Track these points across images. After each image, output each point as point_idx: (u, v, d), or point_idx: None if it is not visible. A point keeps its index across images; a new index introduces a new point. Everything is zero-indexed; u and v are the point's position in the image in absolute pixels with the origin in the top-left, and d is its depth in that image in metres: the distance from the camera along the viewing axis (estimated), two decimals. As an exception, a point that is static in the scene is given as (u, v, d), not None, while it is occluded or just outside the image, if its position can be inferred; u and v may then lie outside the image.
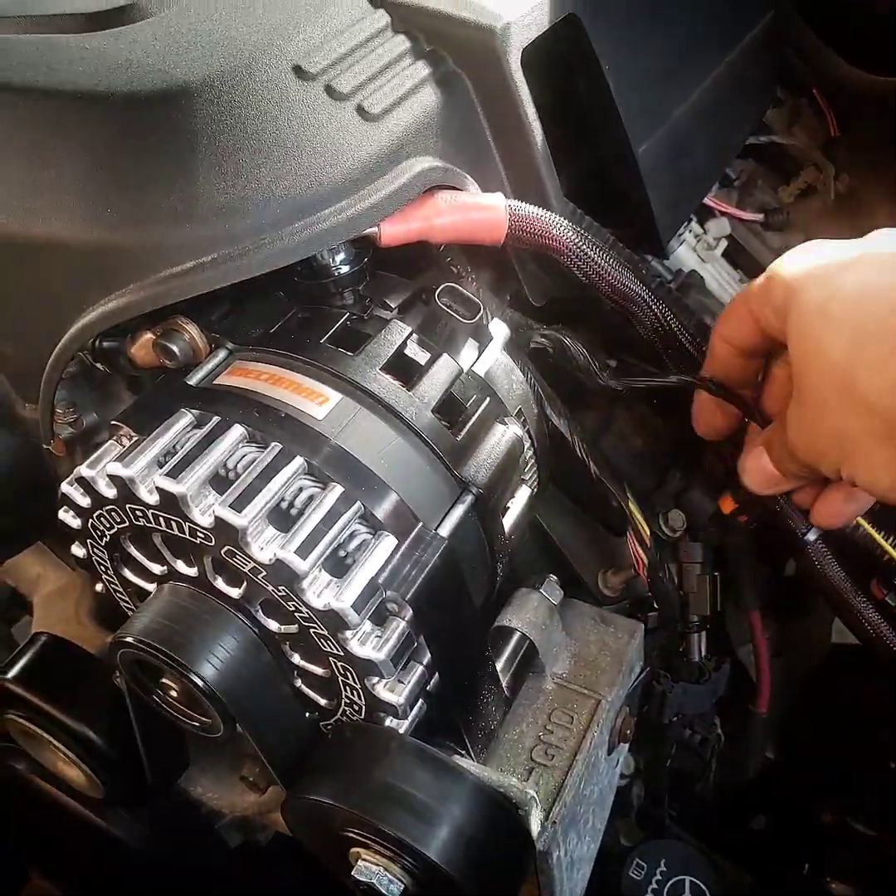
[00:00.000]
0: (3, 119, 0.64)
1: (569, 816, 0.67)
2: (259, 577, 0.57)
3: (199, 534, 0.58)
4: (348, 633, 0.57)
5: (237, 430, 0.60)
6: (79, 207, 0.62)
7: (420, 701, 0.63)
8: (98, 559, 0.68)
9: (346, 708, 0.63)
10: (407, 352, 0.67)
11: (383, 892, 0.59)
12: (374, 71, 0.66)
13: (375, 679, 0.59)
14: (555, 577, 0.76)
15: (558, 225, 0.70)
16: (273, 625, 0.62)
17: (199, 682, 0.58)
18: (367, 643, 0.57)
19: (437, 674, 0.62)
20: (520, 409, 0.72)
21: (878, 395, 0.55)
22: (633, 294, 0.73)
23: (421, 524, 0.60)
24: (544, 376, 0.76)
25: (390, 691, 0.59)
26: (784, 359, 0.68)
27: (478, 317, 0.66)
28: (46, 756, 0.76)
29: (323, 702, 0.65)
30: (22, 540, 0.90)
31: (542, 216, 0.69)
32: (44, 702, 0.73)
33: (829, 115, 1.11)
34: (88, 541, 0.66)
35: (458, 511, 0.63)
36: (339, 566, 0.59)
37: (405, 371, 0.67)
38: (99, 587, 0.71)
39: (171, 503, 0.57)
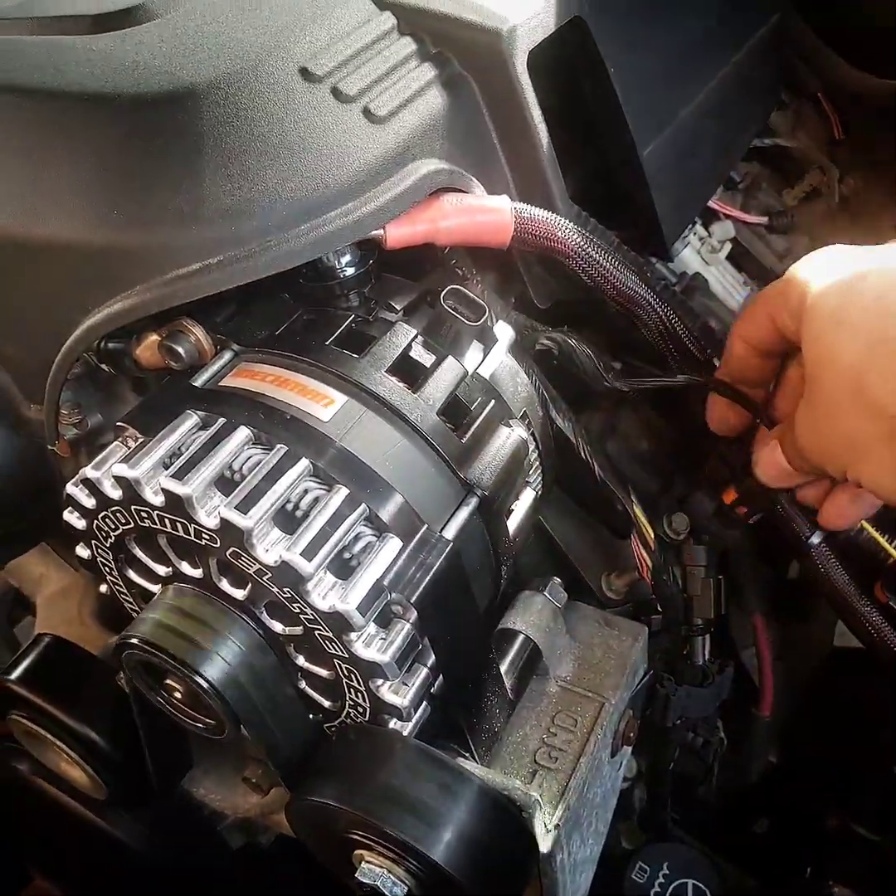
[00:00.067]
0: (11, 120, 0.64)
1: (572, 819, 0.67)
2: (264, 578, 0.57)
3: (204, 535, 0.58)
4: (353, 635, 0.57)
5: (243, 432, 0.60)
6: (85, 209, 0.62)
7: (424, 703, 0.63)
8: (103, 560, 0.68)
9: (351, 710, 0.63)
10: (412, 354, 0.67)
11: (387, 894, 0.59)
12: (380, 73, 0.66)
13: (380, 681, 0.59)
14: (559, 580, 0.76)
15: (563, 227, 0.70)
16: (278, 626, 0.62)
17: (204, 684, 0.58)
18: (372, 645, 0.57)
19: (441, 676, 0.62)
20: (524, 411, 0.72)
21: (889, 401, 0.56)
22: (638, 296, 0.73)
23: (426, 526, 0.60)
24: (549, 379, 0.76)
25: (394, 693, 0.59)
26: (799, 360, 0.69)
27: (483, 319, 0.66)
28: (49, 757, 0.76)
29: (327, 704, 0.65)
30: (26, 541, 0.90)
31: (547, 219, 0.69)
32: (47, 703, 0.73)
33: (833, 117, 1.11)
34: (93, 542, 0.66)
35: (463, 513, 0.63)
36: (344, 568, 0.59)
37: (410, 373, 0.67)
38: (103, 588, 0.71)
39: (177, 504, 0.57)
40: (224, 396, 0.63)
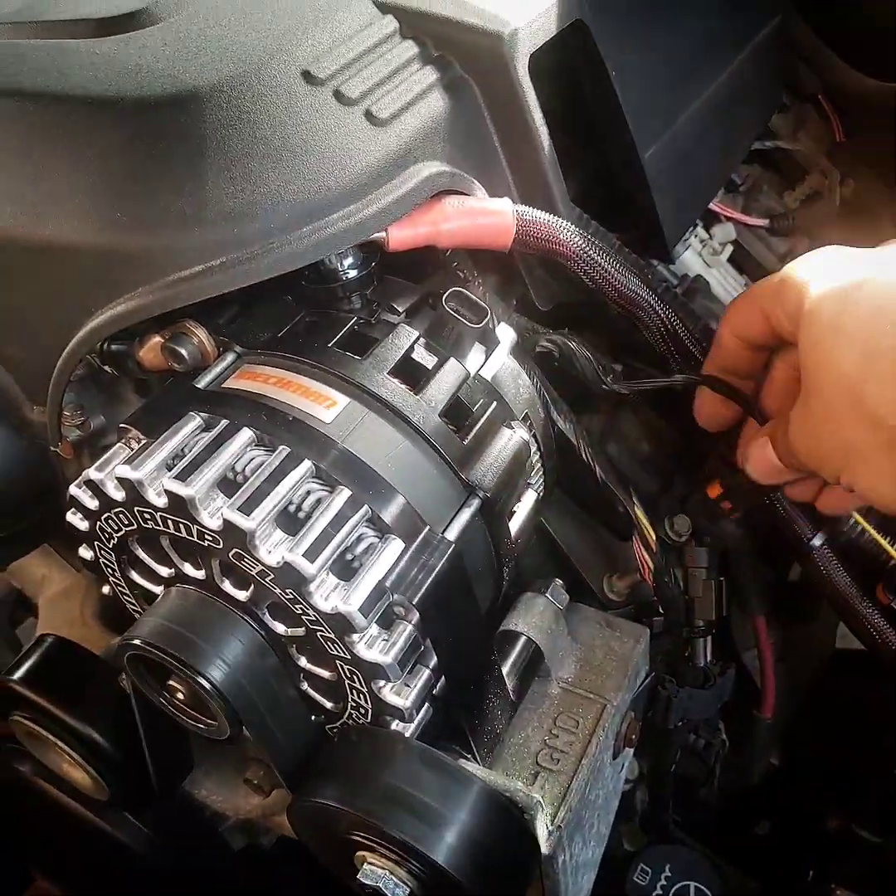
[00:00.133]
0: (15, 123, 0.64)
1: (574, 821, 0.67)
2: (267, 580, 0.58)
3: (207, 536, 0.58)
4: (355, 637, 0.57)
5: (245, 434, 0.60)
6: (89, 211, 0.62)
7: (426, 704, 0.63)
8: (105, 561, 0.68)
9: (353, 711, 0.63)
10: (414, 356, 0.67)
11: (388, 895, 0.59)
12: (382, 76, 0.66)
13: (382, 682, 0.59)
14: (560, 582, 0.76)
15: (565, 230, 0.70)
16: (280, 628, 0.62)
17: (207, 685, 0.58)
18: (374, 646, 0.57)
19: (443, 677, 0.62)
20: (526, 413, 0.72)
21: (888, 412, 0.56)
22: (639, 299, 0.73)
23: (428, 528, 0.60)
24: (550, 380, 0.76)
25: (397, 695, 0.59)
26: (787, 356, 0.69)
27: (485, 321, 0.66)
28: (51, 758, 0.76)
29: (329, 705, 0.65)
30: (28, 542, 0.90)
31: (548, 221, 0.70)
32: (49, 703, 0.73)
33: (834, 120, 1.12)
34: (96, 543, 0.66)
35: (465, 515, 0.63)
36: (346, 569, 0.59)
37: (412, 375, 0.67)
38: (106, 589, 0.71)
39: (180, 506, 0.57)
40: (227, 398, 0.64)
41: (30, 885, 1.04)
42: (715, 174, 1.00)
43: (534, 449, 0.73)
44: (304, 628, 0.59)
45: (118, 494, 0.60)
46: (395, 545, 0.59)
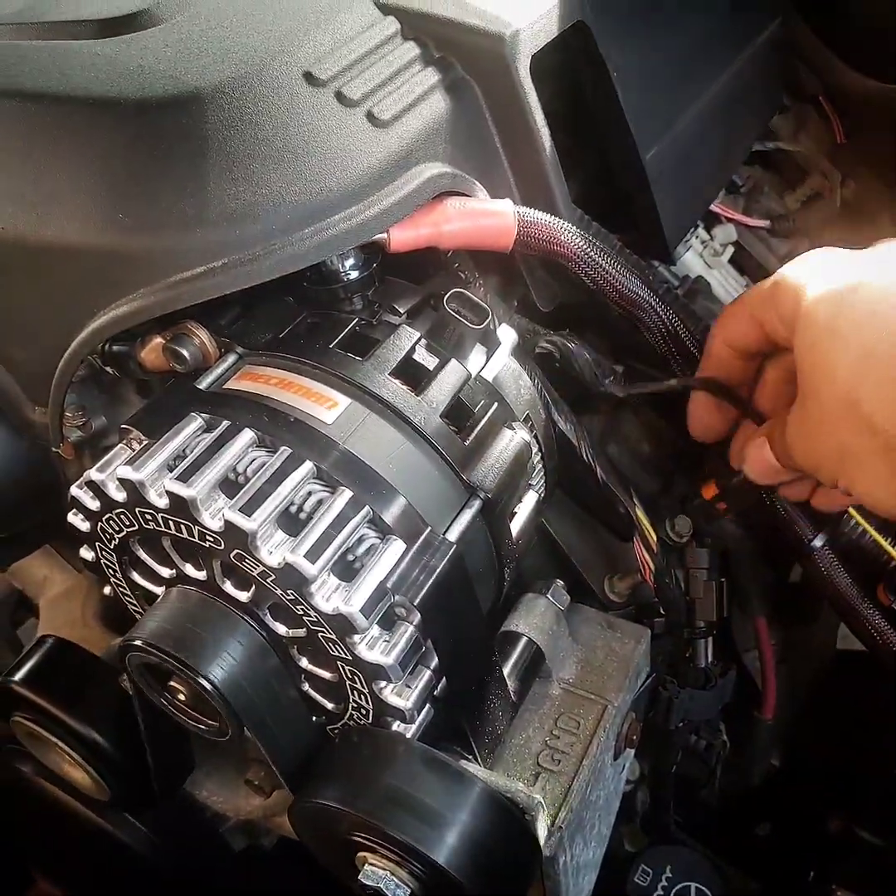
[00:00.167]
0: (17, 124, 0.64)
1: (575, 822, 0.67)
2: (268, 580, 0.58)
3: (208, 537, 0.58)
4: (356, 638, 0.57)
5: (247, 435, 0.60)
6: (90, 212, 0.62)
7: (427, 705, 0.63)
8: (107, 562, 0.68)
9: (354, 712, 0.63)
10: (415, 357, 0.67)
11: (390, 896, 0.59)
12: (383, 77, 0.66)
13: (383, 683, 0.59)
14: (562, 583, 0.76)
15: (566, 231, 0.70)
16: (281, 628, 0.62)
17: (208, 686, 0.58)
18: (376, 647, 0.57)
19: (444, 678, 0.62)
20: (527, 414, 0.72)
21: (883, 416, 0.56)
22: (641, 300, 0.73)
23: (429, 529, 0.60)
24: (551, 381, 0.76)
25: (398, 696, 0.59)
26: (779, 361, 0.69)
27: (486, 322, 0.66)
28: (52, 759, 0.76)
29: (330, 706, 0.65)
30: (29, 543, 0.90)
31: (550, 222, 0.70)
32: (50, 704, 0.73)
33: (835, 121, 1.12)
34: (97, 544, 0.66)
35: (466, 516, 0.63)
36: (347, 570, 0.59)
37: (414, 376, 0.67)
38: (107, 590, 0.71)
39: (181, 507, 0.57)
40: (228, 399, 0.64)
41: (31, 886, 1.04)
42: (716, 175, 1.00)
43: (535, 450, 0.73)
44: (305, 629, 0.59)
45: (119, 495, 0.60)
46: (397, 546, 0.59)
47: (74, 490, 0.63)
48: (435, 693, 0.63)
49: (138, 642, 0.60)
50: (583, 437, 0.76)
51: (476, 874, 0.57)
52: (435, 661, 0.61)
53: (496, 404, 0.69)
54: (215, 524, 0.57)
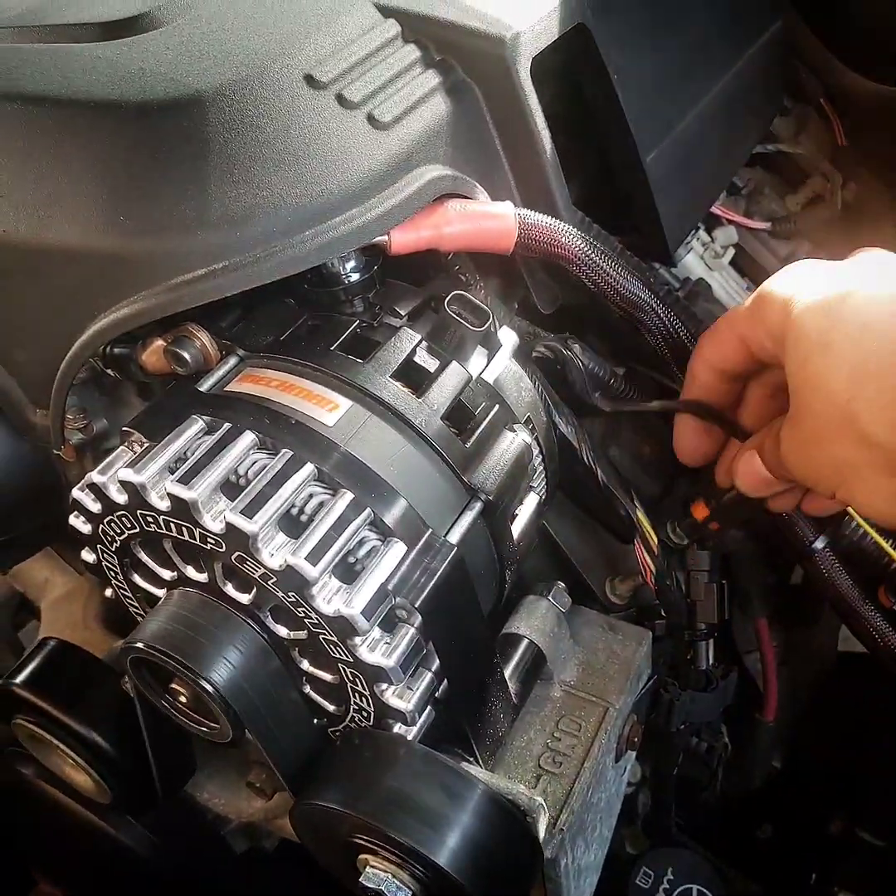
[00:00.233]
0: (18, 127, 0.64)
1: (576, 824, 0.67)
2: (269, 583, 0.58)
3: (209, 540, 0.58)
4: (358, 640, 0.57)
5: (248, 437, 0.60)
6: (91, 215, 0.62)
7: (428, 707, 0.63)
8: (108, 564, 0.68)
9: (355, 714, 0.63)
10: (416, 359, 0.67)
11: (391, 898, 0.59)
12: (384, 80, 0.66)
13: (384, 685, 0.59)
14: (563, 585, 0.76)
15: (567, 233, 0.70)
16: (282, 631, 0.62)
17: (209, 688, 0.58)
18: (377, 649, 0.57)
19: (445, 680, 0.62)
20: (528, 416, 0.72)
21: (880, 431, 0.55)
22: (641, 302, 0.73)
23: (430, 531, 0.60)
24: (552, 384, 0.76)
25: (399, 698, 0.59)
26: (761, 378, 0.69)
27: (487, 324, 0.66)
28: (54, 761, 0.76)
29: (331, 708, 0.65)
30: (31, 545, 0.90)
31: (550, 225, 0.70)
32: (52, 706, 0.73)
33: (836, 124, 1.12)
34: (99, 546, 0.66)
35: (467, 518, 0.63)
36: (348, 572, 0.59)
37: (415, 378, 0.67)
38: (108, 592, 0.71)
39: (182, 509, 0.57)
40: (229, 401, 0.64)
41: (32, 888, 1.04)
42: (716, 177, 1.00)
43: (536, 452, 0.73)
44: (306, 631, 0.60)
45: (121, 498, 0.60)
46: (398, 548, 0.59)
47: (76, 492, 0.63)
48: (436, 695, 0.63)
49: (140, 645, 0.60)
50: (584, 439, 0.76)
51: (477, 876, 0.57)
52: (436, 664, 0.61)
53: (497, 406, 0.69)
54: (216, 526, 0.57)
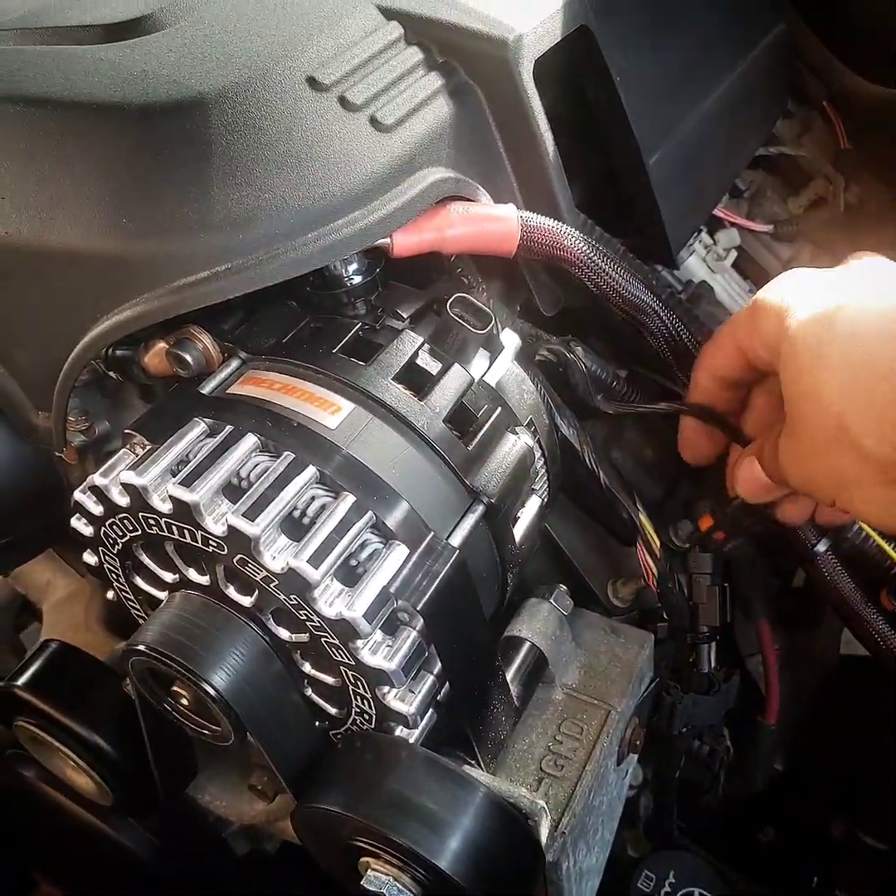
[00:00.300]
0: (20, 129, 0.64)
1: (578, 827, 0.67)
2: (271, 585, 0.58)
3: (211, 542, 0.58)
4: (359, 643, 0.57)
5: (250, 439, 0.60)
6: (94, 217, 0.62)
7: (430, 710, 0.63)
8: (110, 567, 0.68)
9: (357, 717, 0.63)
10: (419, 362, 0.67)
11: (392, 901, 0.59)
12: (387, 82, 0.66)
13: (386, 688, 0.59)
14: (565, 588, 0.76)
15: (569, 236, 0.70)
16: (284, 633, 0.62)
17: (211, 691, 0.58)
18: (379, 652, 0.57)
19: (447, 683, 0.62)
20: (530, 419, 0.72)
21: (871, 442, 0.55)
22: (644, 304, 0.73)
23: (432, 534, 0.60)
24: (554, 386, 0.76)
25: (401, 701, 0.59)
26: (764, 385, 0.69)
27: (489, 327, 0.66)
28: (55, 763, 0.76)
29: (333, 711, 0.65)
30: (33, 547, 0.90)
31: (553, 227, 0.70)
32: (53, 709, 0.72)
33: (838, 126, 1.12)
34: (100, 548, 0.66)
35: (469, 521, 0.63)
36: (350, 575, 0.59)
37: (417, 381, 0.67)
38: (110, 595, 0.71)
39: (184, 512, 0.57)
40: (231, 404, 0.64)
41: (34, 890, 1.04)
42: (719, 180, 1.00)
43: (538, 455, 0.73)
44: (308, 634, 0.59)
45: (123, 500, 0.60)
46: (400, 551, 0.59)
47: (78, 495, 0.63)
48: (438, 698, 0.62)
49: (141, 647, 0.60)
50: (586, 441, 0.76)
51: (479, 879, 0.57)
52: (438, 667, 0.61)
53: (499, 409, 0.69)
54: (218, 529, 0.57)
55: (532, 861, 0.63)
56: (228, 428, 0.61)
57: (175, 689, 0.63)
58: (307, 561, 0.55)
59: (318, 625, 0.58)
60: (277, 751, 0.63)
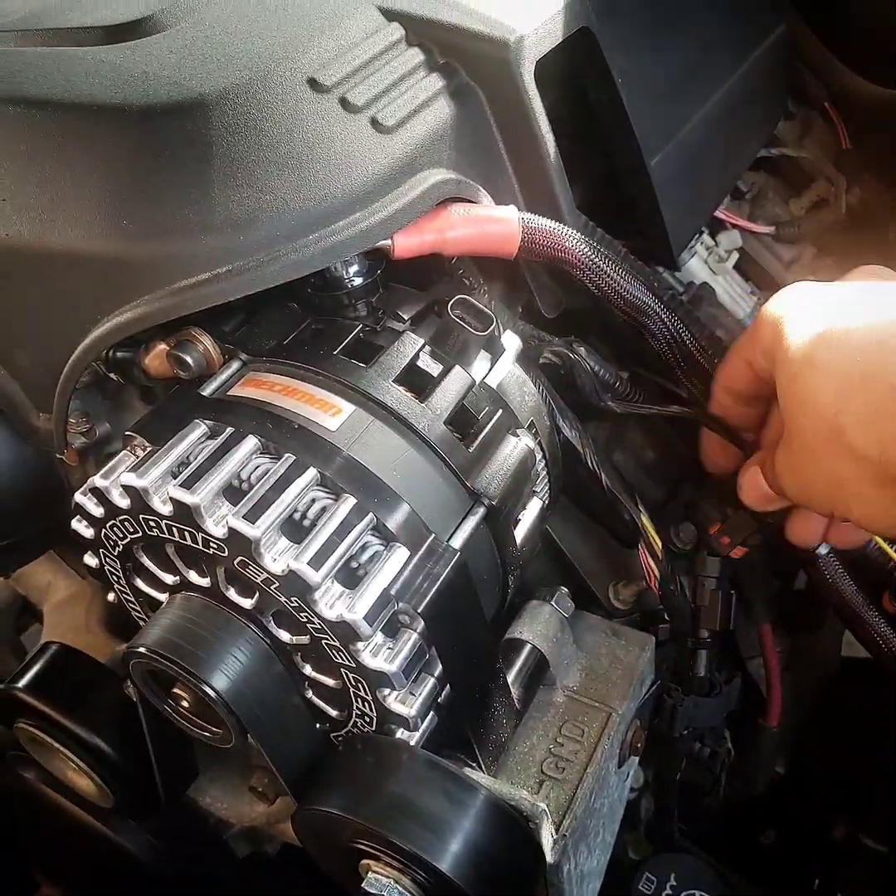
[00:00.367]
0: (21, 131, 0.64)
1: (579, 830, 0.66)
2: (272, 587, 0.58)
3: (212, 544, 0.58)
4: (360, 645, 0.57)
5: (251, 441, 0.60)
6: (95, 219, 0.62)
7: (431, 713, 0.63)
8: (110, 569, 0.68)
9: (358, 719, 0.63)
10: (419, 363, 0.67)
11: (393, 904, 0.59)
12: (388, 83, 0.66)
13: (387, 691, 0.59)
14: (566, 590, 0.76)
15: (571, 237, 0.70)
16: (285, 636, 0.62)
17: (212, 693, 0.58)
18: (379, 655, 0.57)
19: (448, 686, 0.62)
20: (532, 420, 0.72)
21: (867, 445, 0.56)
22: (645, 306, 0.73)
23: (433, 536, 0.60)
24: (556, 388, 0.76)
25: (402, 703, 0.59)
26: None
27: (490, 329, 0.66)
28: (56, 765, 0.76)
29: (334, 713, 0.65)
30: (33, 549, 0.90)
31: (554, 229, 0.70)
32: (54, 711, 0.73)
33: (840, 127, 1.11)
34: (101, 550, 0.66)
35: (470, 523, 0.63)
36: (351, 577, 0.59)
37: (418, 383, 0.67)
38: (111, 597, 0.71)
39: (185, 514, 0.57)
40: (232, 406, 0.64)
41: (35, 892, 1.04)
42: (721, 181, 0.99)
43: (539, 457, 0.73)
44: (308, 636, 0.59)
45: (123, 502, 0.60)
46: (400, 553, 0.58)
47: (78, 496, 0.63)
48: (439, 700, 0.62)
49: (142, 649, 0.60)
50: (588, 443, 0.76)
51: (480, 882, 0.57)
52: (439, 669, 0.61)
53: (500, 411, 0.69)
54: (219, 531, 0.57)
55: (533, 863, 0.63)
56: (229, 430, 0.61)
57: (176, 691, 0.63)
58: (308, 563, 0.55)
59: (319, 627, 0.58)
60: (278, 753, 0.63)
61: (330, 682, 0.63)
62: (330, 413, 0.62)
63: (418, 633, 0.58)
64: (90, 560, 0.68)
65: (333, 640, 0.58)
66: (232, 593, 0.62)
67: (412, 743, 0.61)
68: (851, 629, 0.79)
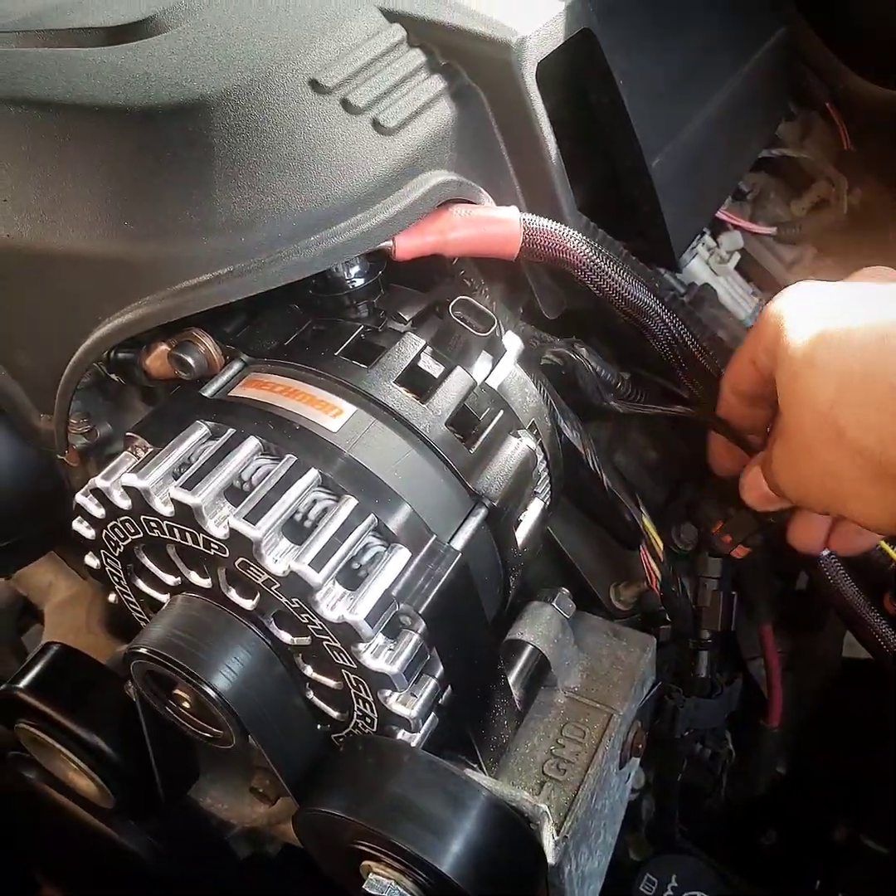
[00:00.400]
0: (22, 132, 0.64)
1: (580, 831, 0.66)
2: (273, 588, 0.58)
3: (213, 545, 0.58)
4: (361, 646, 0.57)
5: (252, 442, 0.60)
6: (96, 220, 0.62)
7: (432, 714, 0.62)
8: (111, 569, 0.68)
9: (359, 720, 0.63)
10: (421, 364, 0.67)
11: (394, 905, 0.59)
12: (389, 85, 0.66)
13: (388, 692, 0.59)
14: (567, 591, 0.76)
15: (572, 238, 0.70)
16: (286, 637, 0.62)
17: (212, 694, 0.58)
18: (380, 656, 0.57)
19: (449, 687, 0.62)
20: (533, 421, 0.72)
21: (866, 440, 0.56)
22: (647, 307, 0.73)
23: (434, 537, 0.60)
24: (557, 389, 0.76)
25: (403, 704, 0.59)
26: None
27: (491, 330, 0.66)
28: (57, 766, 0.76)
29: (335, 714, 0.65)
30: (34, 549, 0.90)
31: (556, 230, 0.70)
32: (55, 711, 0.73)
33: (841, 128, 1.11)
34: (102, 551, 0.66)
35: (472, 524, 0.63)
36: (352, 579, 0.59)
37: (419, 384, 0.67)
38: (112, 597, 0.71)
39: (186, 515, 0.57)
40: (233, 407, 0.64)
41: (36, 892, 1.04)
42: (722, 182, 0.99)
43: (540, 458, 0.72)
44: (310, 637, 0.59)
45: (124, 503, 0.60)
46: (402, 554, 0.58)
47: (79, 497, 0.63)
48: (440, 702, 0.62)
49: (143, 650, 0.60)
50: (589, 444, 0.76)
51: (481, 883, 0.57)
52: (440, 670, 0.61)
53: (502, 412, 0.69)
54: (220, 532, 0.57)
55: (534, 865, 0.63)
56: (230, 431, 0.61)
57: (177, 692, 0.63)
58: (309, 564, 0.55)
59: (320, 628, 0.58)
60: (279, 754, 0.63)
61: (331, 683, 0.63)
62: (331, 414, 0.62)
63: (419, 634, 0.58)
64: (91, 561, 0.68)
65: (334, 642, 0.58)
66: (233, 594, 0.62)
67: (413, 744, 0.61)
68: (852, 630, 0.79)
